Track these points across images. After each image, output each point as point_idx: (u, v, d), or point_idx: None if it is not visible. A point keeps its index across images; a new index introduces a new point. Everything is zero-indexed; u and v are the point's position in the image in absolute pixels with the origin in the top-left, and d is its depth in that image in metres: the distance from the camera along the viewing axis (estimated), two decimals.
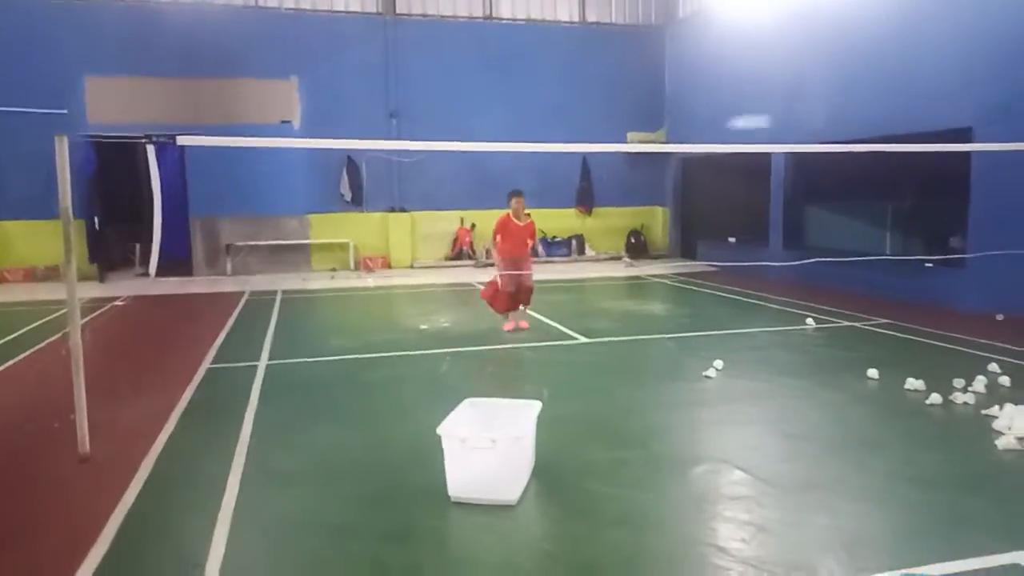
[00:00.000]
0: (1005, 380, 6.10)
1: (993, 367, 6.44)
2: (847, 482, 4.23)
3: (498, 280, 8.77)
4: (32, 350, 8.10)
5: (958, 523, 3.68)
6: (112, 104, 15.03)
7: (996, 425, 5.01)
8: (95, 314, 10.61)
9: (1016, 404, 5.27)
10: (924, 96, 10.57)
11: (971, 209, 9.92)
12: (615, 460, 4.57)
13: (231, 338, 8.85)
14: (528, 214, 9.05)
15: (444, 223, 17.36)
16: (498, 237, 8.79)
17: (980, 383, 5.96)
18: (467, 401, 4.44)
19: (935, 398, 5.62)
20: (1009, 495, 4.04)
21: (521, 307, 9.01)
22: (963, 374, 6.11)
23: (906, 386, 5.99)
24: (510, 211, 8.82)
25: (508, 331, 8.77)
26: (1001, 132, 9.06)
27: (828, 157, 10.51)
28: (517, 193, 8.89)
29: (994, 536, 3.52)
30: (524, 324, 9.04)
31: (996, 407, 5.29)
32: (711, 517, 3.81)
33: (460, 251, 17.33)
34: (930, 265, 10.44)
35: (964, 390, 5.82)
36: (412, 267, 16.89)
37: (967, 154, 9.59)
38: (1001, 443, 4.67)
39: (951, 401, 5.63)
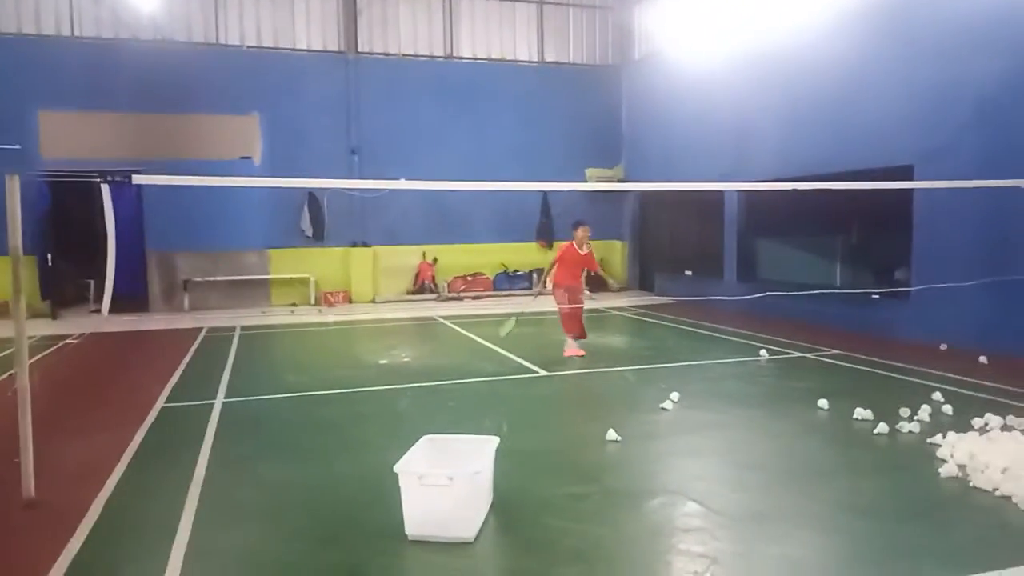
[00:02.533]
0: (948, 409, 6.31)
1: (937, 396, 6.66)
2: (796, 512, 4.33)
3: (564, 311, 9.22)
4: None
5: (903, 551, 3.79)
6: (67, 139, 14.84)
7: (940, 453, 5.17)
8: (46, 352, 10.34)
9: (958, 432, 5.47)
10: (868, 136, 11.03)
11: (914, 243, 10.32)
12: (572, 494, 4.61)
13: (187, 376, 8.71)
14: (590, 243, 9.45)
15: (406, 257, 17.39)
16: (556, 267, 9.26)
17: (925, 412, 6.15)
18: (425, 437, 4.46)
19: (882, 428, 5.79)
20: (952, 522, 4.18)
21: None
22: (909, 403, 6.30)
23: (854, 416, 6.16)
24: (574, 240, 9.26)
25: (572, 356, 9.11)
26: (939, 170, 9.50)
27: (778, 194, 10.86)
28: (583, 223, 9.35)
29: (938, 563, 3.64)
30: (580, 352, 9.32)
31: (940, 436, 5.46)
32: (666, 550, 3.87)
33: (422, 285, 17.34)
34: (876, 297, 10.79)
35: (910, 419, 5.99)
36: (374, 302, 16.83)
37: (909, 191, 10.01)
38: (944, 471, 4.82)
39: (897, 430, 5.80)
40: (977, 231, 9.35)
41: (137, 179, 4.94)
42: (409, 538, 3.92)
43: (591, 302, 15.94)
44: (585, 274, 9.83)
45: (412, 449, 4.26)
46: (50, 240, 14.33)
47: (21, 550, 4.03)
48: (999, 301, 8.85)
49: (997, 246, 9.03)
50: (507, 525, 4.17)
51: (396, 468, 3.95)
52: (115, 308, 14.39)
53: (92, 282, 15.59)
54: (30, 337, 4.78)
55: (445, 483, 3.87)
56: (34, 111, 14.68)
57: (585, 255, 9.35)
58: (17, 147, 14.21)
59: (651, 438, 5.93)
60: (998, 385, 7.25)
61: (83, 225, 15.70)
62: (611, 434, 5.71)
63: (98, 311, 14.61)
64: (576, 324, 9.30)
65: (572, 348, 9.31)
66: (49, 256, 14.23)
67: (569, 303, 9.21)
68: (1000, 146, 9.00)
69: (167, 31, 15.69)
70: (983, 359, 8.47)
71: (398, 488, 3.95)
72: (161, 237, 15.47)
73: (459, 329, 12.28)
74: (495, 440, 4.40)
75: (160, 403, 7.24)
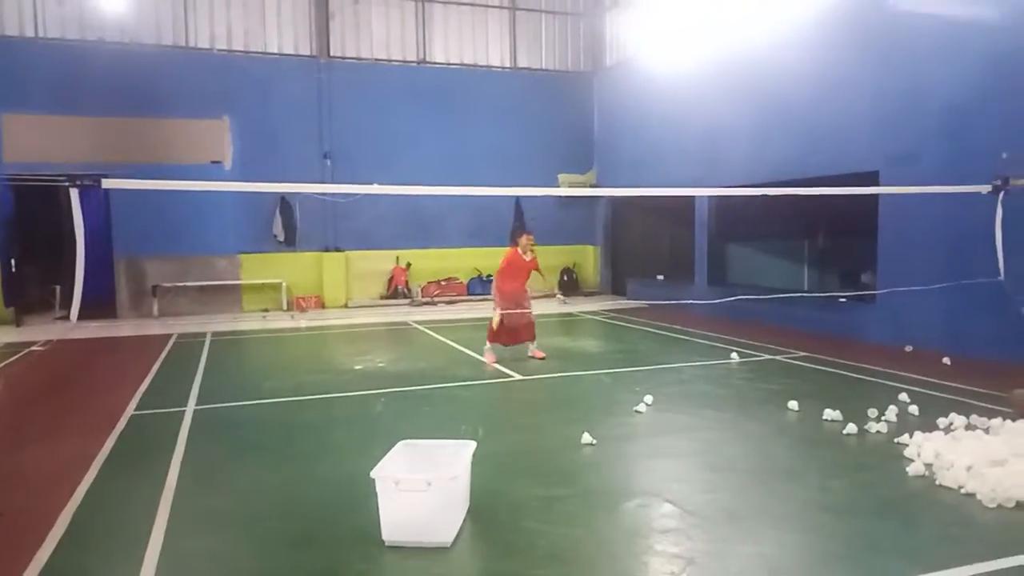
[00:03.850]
0: (914, 409, 6.45)
1: (903, 397, 6.81)
2: (769, 511, 4.40)
3: (495, 319, 9.27)
4: None
5: (872, 548, 3.86)
6: (31, 142, 14.53)
7: (907, 452, 5.28)
8: (11, 360, 10.13)
9: (924, 432, 5.60)
10: (835, 142, 11.25)
11: (879, 247, 10.54)
12: (549, 497, 4.64)
13: (157, 383, 8.58)
14: (533, 249, 9.54)
15: (379, 262, 17.30)
16: (500, 277, 9.31)
17: (892, 412, 6.29)
18: (402, 442, 4.45)
19: (851, 428, 5.91)
20: (919, 519, 4.28)
21: (528, 343, 9.50)
22: (876, 404, 6.43)
23: (824, 417, 6.28)
24: (519, 247, 9.37)
25: (491, 364, 9.14)
26: (904, 176, 9.73)
27: (748, 199, 11.02)
28: (528, 231, 9.67)
29: (904, 559, 3.72)
30: (540, 354, 9.45)
31: (907, 435, 5.58)
32: (642, 551, 3.91)
33: (396, 290, 17.27)
34: (844, 300, 11.00)
35: (877, 420, 6.12)
36: (347, 307, 16.72)
37: (875, 196, 10.23)
38: (911, 470, 4.93)
39: (866, 431, 5.92)
40: (940, 236, 9.58)
41: (107, 183, 4.88)
42: (386, 543, 3.91)
43: (565, 307, 16.05)
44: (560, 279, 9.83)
45: (388, 454, 4.25)
46: (14, 245, 14.03)
47: None
48: (962, 304, 9.07)
49: (959, 251, 9.25)
50: (484, 529, 4.18)
51: (373, 473, 3.94)
52: (82, 315, 14.02)
53: (58, 288, 15.27)
54: None
55: (422, 488, 3.87)
56: None
57: (530, 261, 9.42)
58: None
59: (626, 440, 5.98)
60: (961, 386, 7.44)
61: (48, 230, 15.36)
62: (586, 437, 5.75)
63: (64, 318, 14.32)
64: (504, 335, 9.31)
65: (492, 355, 9.35)
66: (12, 262, 13.92)
67: (515, 307, 9.20)
68: (963, 153, 9.23)
69: (135, 33, 15.45)
70: (947, 360, 8.68)
71: (374, 493, 3.94)
72: (129, 242, 15.23)
73: (433, 334, 12.26)
74: (472, 444, 4.41)
75: (130, 410, 7.13)
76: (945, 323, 9.37)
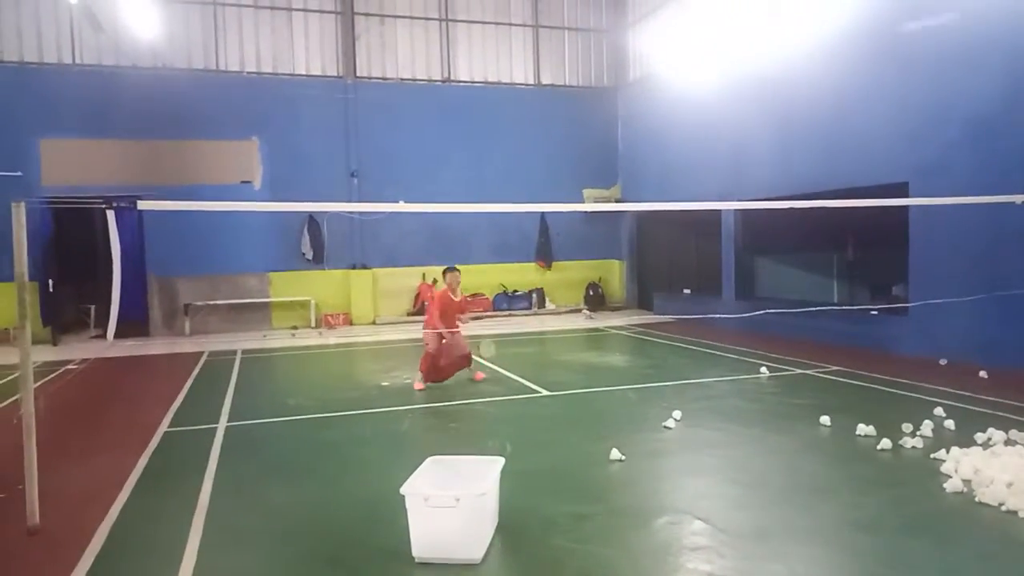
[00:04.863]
0: (950, 424, 6.32)
1: (939, 411, 6.68)
2: (801, 528, 4.34)
3: (429, 350, 8.93)
4: None
5: (908, 566, 3.79)
6: (68, 166, 14.91)
7: (944, 468, 5.18)
8: (48, 378, 10.34)
9: (961, 447, 5.48)
10: (862, 154, 11.13)
11: (911, 259, 10.38)
12: (578, 514, 4.61)
13: (189, 400, 8.70)
14: (463, 293, 9.39)
15: (406, 279, 17.42)
16: (436, 312, 8.96)
17: (927, 427, 6.18)
18: (431, 459, 4.47)
19: (885, 443, 5.81)
20: (957, 537, 4.19)
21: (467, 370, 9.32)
22: (911, 419, 6.32)
23: (857, 432, 6.17)
24: (447, 287, 9.11)
25: (417, 389, 8.86)
26: (933, 187, 9.59)
27: (775, 212, 10.93)
28: (453, 269, 9.23)
29: None
30: (480, 375, 9.40)
31: (943, 451, 5.48)
32: (673, 570, 3.86)
33: (422, 306, 17.35)
34: (875, 313, 10.83)
35: (913, 435, 6.01)
36: (374, 323, 16.85)
37: (905, 207, 10.09)
38: (949, 486, 4.83)
39: (901, 446, 5.81)
40: (973, 247, 9.41)
41: (142, 205, 4.99)
42: (416, 560, 3.92)
43: (592, 322, 16.01)
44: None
45: (417, 471, 4.27)
46: (51, 266, 14.37)
47: None
48: (997, 315, 8.89)
49: (993, 261, 9.08)
50: (513, 546, 4.17)
51: (402, 490, 3.96)
52: (116, 333, 14.40)
53: (93, 307, 15.61)
54: (32, 363, 4.79)
55: (451, 504, 3.88)
56: (35, 139, 14.77)
57: (459, 301, 9.23)
58: (18, 174, 14.30)
59: (655, 456, 5.93)
60: (999, 399, 7.28)
61: (84, 251, 15.75)
62: (615, 453, 5.72)
63: (100, 336, 14.61)
64: (431, 372, 8.97)
65: (420, 383, 8.99)
66: (50, 282, 14.26)
67: (443, 348, 8.87)
68: (991, 163, 9.09)
69: (167, 58, 15.83)
70: (983, 373, 8.50)
71: (403, 510, 3.95)
72: (162, 262, 15.52)
73: None
74: (500, 461, 4.41)
75: (163, 428, 7.24)
76: (980, 335, 9.17)
